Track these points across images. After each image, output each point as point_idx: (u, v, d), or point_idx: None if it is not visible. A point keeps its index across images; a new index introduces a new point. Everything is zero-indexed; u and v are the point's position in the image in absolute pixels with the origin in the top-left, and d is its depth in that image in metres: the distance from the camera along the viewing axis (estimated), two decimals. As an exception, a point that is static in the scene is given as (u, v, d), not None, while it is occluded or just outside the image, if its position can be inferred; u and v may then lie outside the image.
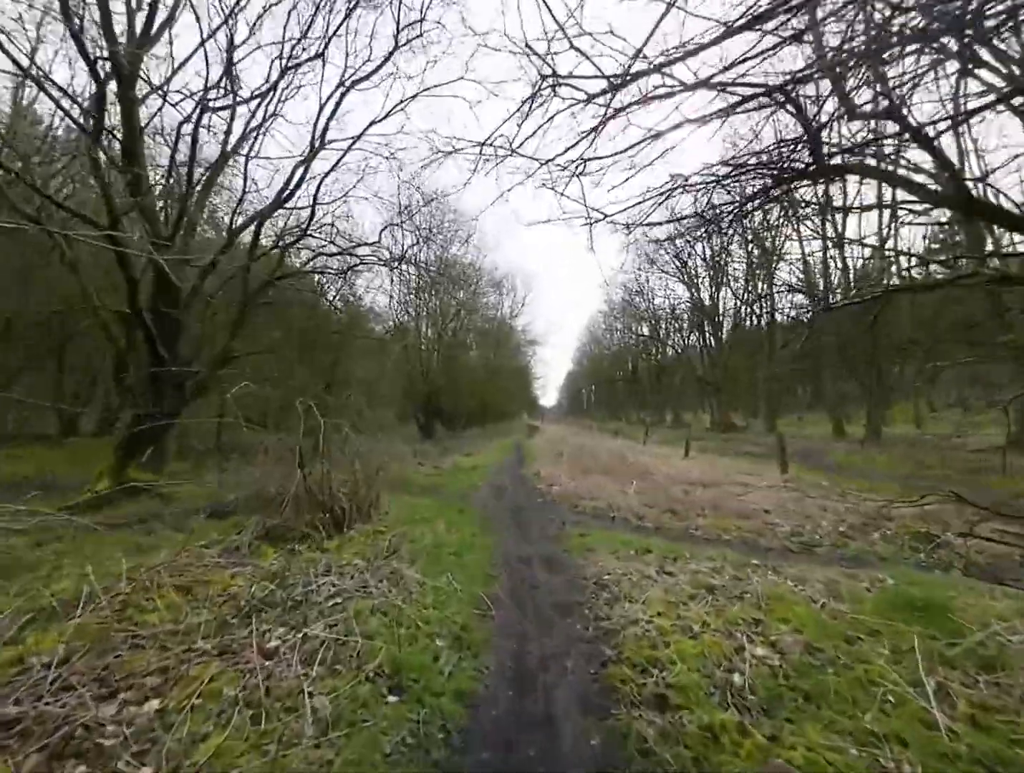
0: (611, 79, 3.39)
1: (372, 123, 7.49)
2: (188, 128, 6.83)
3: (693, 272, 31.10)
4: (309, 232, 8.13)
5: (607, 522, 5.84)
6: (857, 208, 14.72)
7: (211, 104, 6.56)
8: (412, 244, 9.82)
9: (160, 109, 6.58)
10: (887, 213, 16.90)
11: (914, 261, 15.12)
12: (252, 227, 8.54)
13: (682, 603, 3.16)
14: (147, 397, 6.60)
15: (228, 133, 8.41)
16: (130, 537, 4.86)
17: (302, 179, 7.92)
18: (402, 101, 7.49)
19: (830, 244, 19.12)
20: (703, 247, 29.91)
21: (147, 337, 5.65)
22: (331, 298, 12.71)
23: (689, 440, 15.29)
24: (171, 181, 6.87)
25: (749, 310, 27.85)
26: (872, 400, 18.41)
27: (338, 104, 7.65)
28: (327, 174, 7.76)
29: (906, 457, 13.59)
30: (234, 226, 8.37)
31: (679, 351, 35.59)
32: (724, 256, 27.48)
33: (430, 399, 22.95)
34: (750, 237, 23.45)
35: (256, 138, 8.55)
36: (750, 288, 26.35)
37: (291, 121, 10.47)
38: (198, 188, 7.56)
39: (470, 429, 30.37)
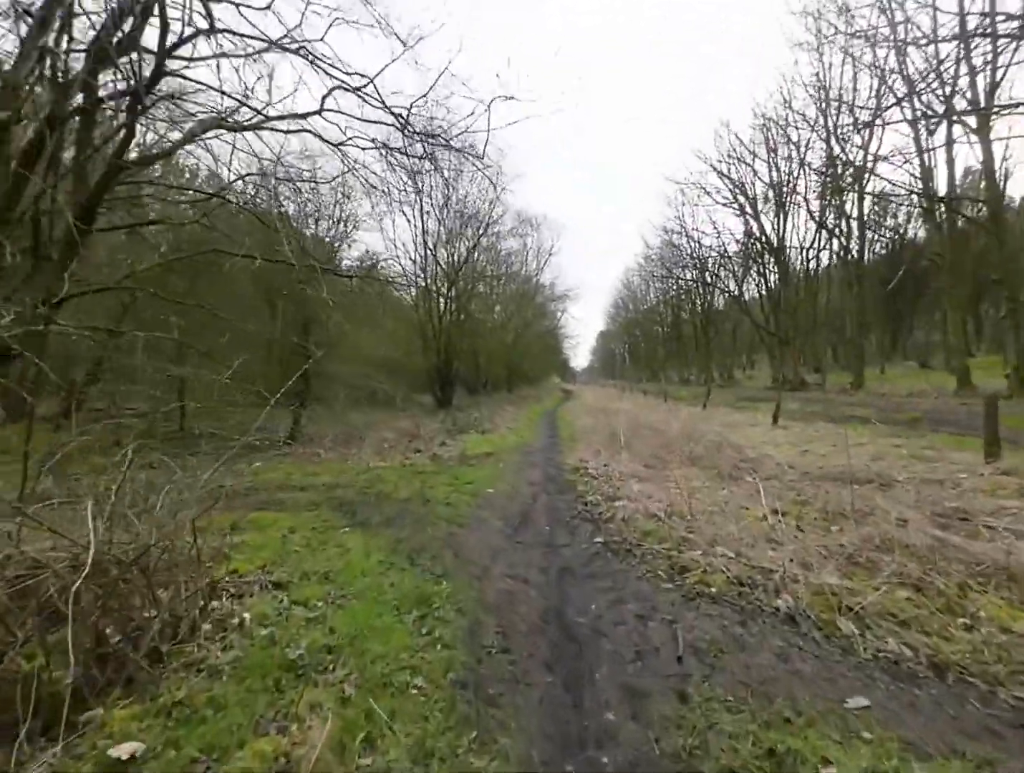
0: None
1: None
2: None
3: (752, 197, 25.78)
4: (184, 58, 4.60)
5: (784, 633, 2.33)
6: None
7: None
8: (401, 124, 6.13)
9: None
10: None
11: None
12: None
13: None
14: None
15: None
16: None
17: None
18: None
19: (963, 128, 13.96)
20: (768, 166, 24.50)
21: None
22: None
23: (779, 403, 11.39)
24: None
25: (828, 237, 22.60)
26: (1021, 341, 13.73)
27: None
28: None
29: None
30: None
31: (734, 296, 30.62)
32: (798, 170, 22.05)
33: (446, 363, 19.65)
34: (834, 130, 18.11)
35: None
36: (833, 202, 20.88)
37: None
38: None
39: (494, 396, 27.16)
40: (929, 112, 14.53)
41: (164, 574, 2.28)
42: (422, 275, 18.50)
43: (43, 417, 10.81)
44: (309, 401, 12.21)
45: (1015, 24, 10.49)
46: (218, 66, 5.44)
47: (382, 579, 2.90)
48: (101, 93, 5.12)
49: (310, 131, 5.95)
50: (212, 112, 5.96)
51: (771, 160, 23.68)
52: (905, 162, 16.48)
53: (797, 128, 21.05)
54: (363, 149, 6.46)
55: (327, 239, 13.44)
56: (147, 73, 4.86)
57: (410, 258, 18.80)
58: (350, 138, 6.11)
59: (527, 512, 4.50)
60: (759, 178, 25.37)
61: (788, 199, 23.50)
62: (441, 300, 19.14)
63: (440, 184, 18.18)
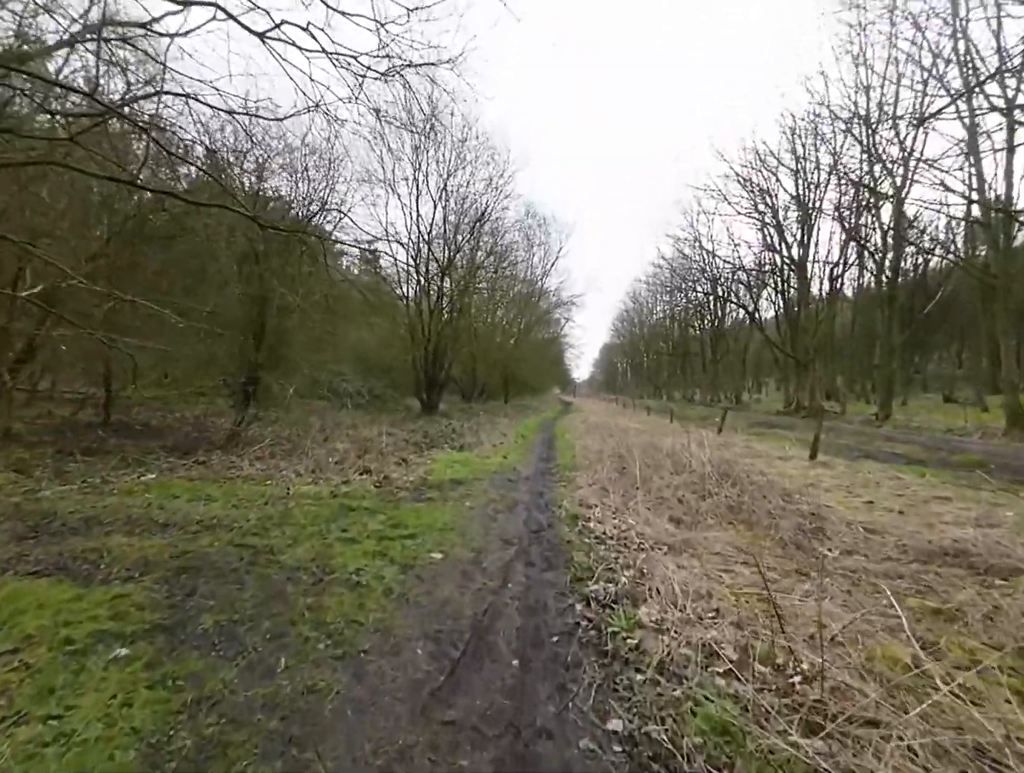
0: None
1: None
2: None
3: (775, 207, 24.03)
4: None
5: None
6: None
7: None
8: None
9: None
10: None
11: None
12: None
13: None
14: None
15: None
16: None
17: None
18: None
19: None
20: (795, 173, 22.78)
21: None
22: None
23: (818, 435, 9.46)
24: None
25: (859, 252, 20.81)
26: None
27: None
28: None
29: None
30: None
31: (748, 312, 28.81)
32: (828, 177, 20.26)
33: (435, 365, 17.72)
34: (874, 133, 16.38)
35: None
36: (867, 221, 19.16)
37: None
38: None
39: (489, 404, 25.26)
40: (989, 108, 12.83)
41: None
42: (413, 264, 16.65)
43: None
44: (261, 398, 10.30)
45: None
46: None
47: None
48: None
49: (219, 6, 4.10)
50: None
51: (799, 166, 21.97)
52: (957, 168, 14.71)
53: (833, 128, 19.29)
54: (306, 52, 4.61)
55: (285, 196, 11.53)
56: None
57: (400, 243, 16.98)
58: (279, 25, 4.26)
59: (485, 616, 2.56)
60: (783, 187, 23.69)
61: (815, 209, 21.75)
62: (433, 294, 17.28)
63: (437, 169, 16.47)
